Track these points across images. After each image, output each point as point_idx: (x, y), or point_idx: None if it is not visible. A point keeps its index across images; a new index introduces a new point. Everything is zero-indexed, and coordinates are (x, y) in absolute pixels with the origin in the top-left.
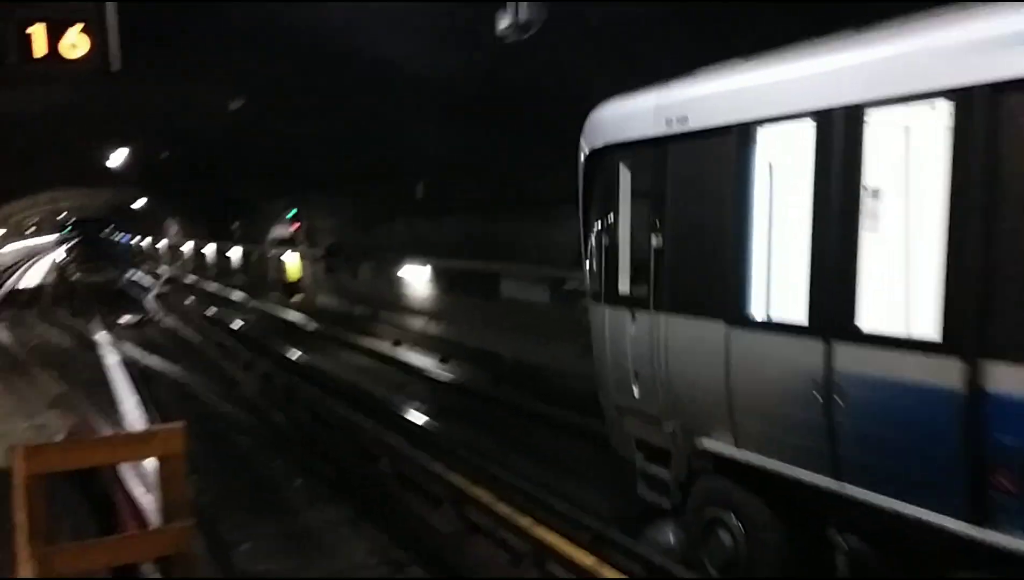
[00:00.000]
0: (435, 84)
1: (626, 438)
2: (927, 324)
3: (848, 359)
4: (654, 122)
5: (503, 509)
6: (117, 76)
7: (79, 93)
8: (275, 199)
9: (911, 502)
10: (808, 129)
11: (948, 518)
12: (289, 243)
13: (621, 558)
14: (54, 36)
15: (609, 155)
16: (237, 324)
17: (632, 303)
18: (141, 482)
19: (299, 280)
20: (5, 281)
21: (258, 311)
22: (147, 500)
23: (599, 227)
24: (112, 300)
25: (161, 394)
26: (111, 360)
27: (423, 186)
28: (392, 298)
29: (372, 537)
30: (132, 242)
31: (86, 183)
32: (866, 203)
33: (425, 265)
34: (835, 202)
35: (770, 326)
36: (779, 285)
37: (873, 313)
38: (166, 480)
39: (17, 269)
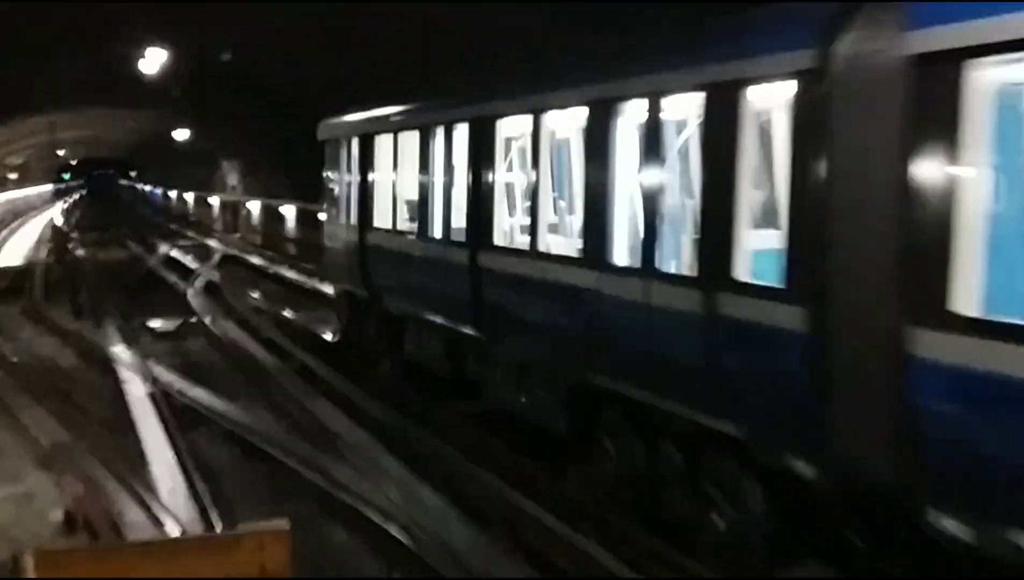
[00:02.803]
0: None
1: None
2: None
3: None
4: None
5: None
6: None
7: None
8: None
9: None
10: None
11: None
12: None
13: None
14: None
15: (336, 142)
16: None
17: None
18: None
19: None
20: None
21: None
22: None
23: (331, 177)
24: (137, 291)
25: (212, 449)
26: (135, 390)
27: None
28: None
29: None
30: (168, 197)
31: (102, 101)
32: None
33: None
34: None
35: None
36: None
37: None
38: None
39: None
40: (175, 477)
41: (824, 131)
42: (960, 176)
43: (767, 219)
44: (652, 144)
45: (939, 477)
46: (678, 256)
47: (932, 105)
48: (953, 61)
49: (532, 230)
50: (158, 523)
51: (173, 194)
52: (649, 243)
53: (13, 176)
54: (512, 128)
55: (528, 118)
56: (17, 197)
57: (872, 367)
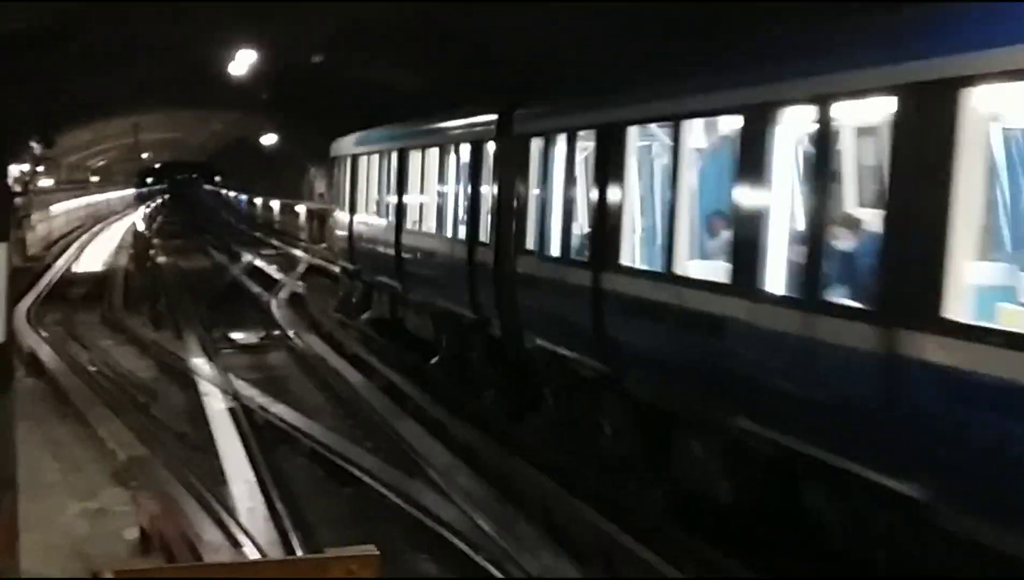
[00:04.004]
0: None
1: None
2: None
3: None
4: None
5: None
6: None
7: None
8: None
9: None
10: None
11: None
12: None
13: None
14: None
15: (339, 158)
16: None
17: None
18: None
19: None
20: (53, 262)
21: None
22: None
23: (341, 182)
24: (219, 301)
25: (294, 469)
26: (215, 404)
27: None
28: None
29: None
30: (252, 204)
31: (188, 103)
32: None
33: None
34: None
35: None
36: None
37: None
38: None
39: (72, 242)
40: (254, 497)
41: None
42: None
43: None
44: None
45: None
46: None
47: None
48: None
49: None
50: (236, 544)
51: (258, 201)
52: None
53: (95, 179)
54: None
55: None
56: (99, 201)
57: None
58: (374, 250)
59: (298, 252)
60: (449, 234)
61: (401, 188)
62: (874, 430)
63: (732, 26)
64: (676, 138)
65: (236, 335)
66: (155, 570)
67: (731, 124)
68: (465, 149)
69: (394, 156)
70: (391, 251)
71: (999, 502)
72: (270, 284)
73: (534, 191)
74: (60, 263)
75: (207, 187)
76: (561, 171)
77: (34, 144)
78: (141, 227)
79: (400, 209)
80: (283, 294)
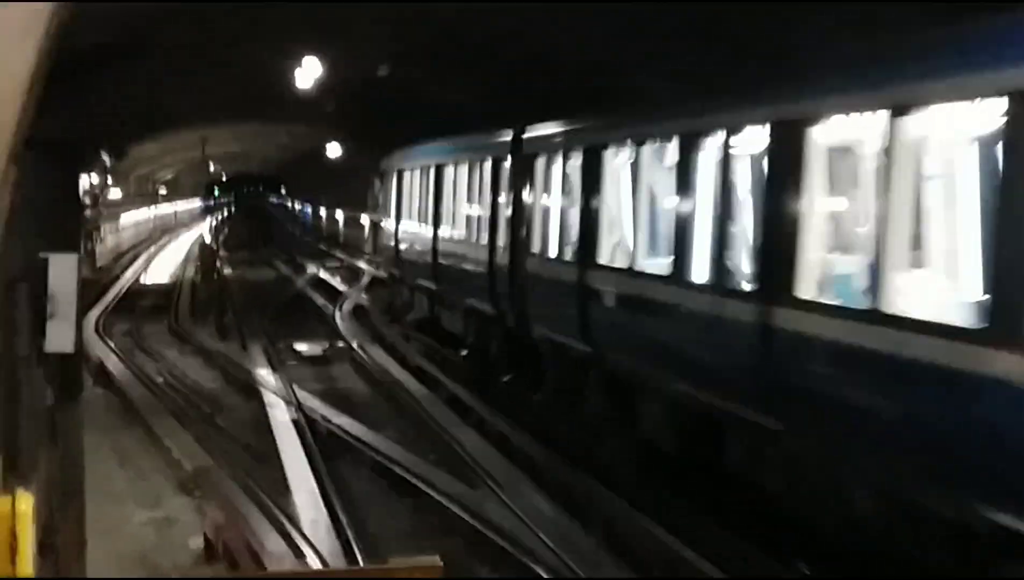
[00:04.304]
0: None
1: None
2: None
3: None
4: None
5: None
6: None
7: None
8: None
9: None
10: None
11: None
12: None
13: None
14: None
15: (387, 172)
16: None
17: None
18: None
19: None
20: (121, 273)
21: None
22: None
23: (389, 194)
24: (284, 313)
25: (357, 480)
26: (279, 415)
27: None
28: None
29: None
30: (318, 215)
31: (254, 115)
32: None
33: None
34: None
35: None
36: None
37: None
38: None
39: (140, 253)
40: (317, 508)
41: None
42: None
43: None
44: None
45: None
46: None
47: None
48: None
49: None
50: (299, 554)
51: (323, 212)
52: None
53: (163, 191)
54: None
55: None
56: (166, 212)
57: None
58: (415, 256)
59: (362, 264)
60: (475, 240)
61: (438, 200)
62: (760, 383)
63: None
64: (637, 159)
65: (300, 346)
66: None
67: (673, 149)
68: (487, 165)
69: (431, 171)
70: (429, 257)
71: (834, 428)
72: (334, 296)
73: (537, 201)
74: (128, 274)
75: (273, 199)
76: (557, 184)
77: (104, 156)
78: (208, 239)
79: (436, 218)
80: (347, 306)
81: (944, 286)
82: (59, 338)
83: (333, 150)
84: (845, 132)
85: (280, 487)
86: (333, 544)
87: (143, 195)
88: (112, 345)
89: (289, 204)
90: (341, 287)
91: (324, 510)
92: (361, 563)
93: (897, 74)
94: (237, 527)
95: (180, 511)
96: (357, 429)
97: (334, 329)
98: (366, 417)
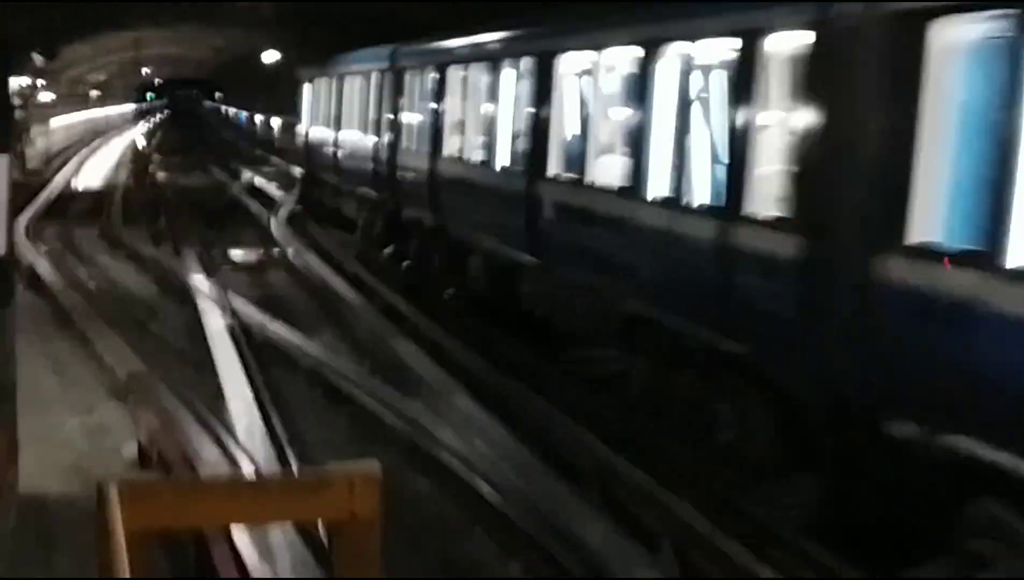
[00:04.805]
0: None
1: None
2: None
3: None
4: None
5: None
6: None
7: None
8: None
9: None
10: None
11: None
12: None
13: None
14: None
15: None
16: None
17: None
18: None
19: None
20: (52, 177)
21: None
22: None
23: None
24: (218, 219)
25: (292, 388)
26: (214, 323)
27: None
28: None
29: None
30: (253, 121)
31: (190, 17)
32: None
33: None
34: None
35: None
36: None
37: None
38: (347, 558)
39: (72, 157)
40: (252, 415)
41: None
42: None
43: None
44: None
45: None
46: None
47: None
48: None
49: None
50: (234, 462)
51: (259, 118)
52: None
53: (95, 93)
54: None
55: None
56: (98, 116)
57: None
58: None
59: (298, 170)
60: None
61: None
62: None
63: None
64: (595, 71)
65: (235, 254)
66: (158, 484)
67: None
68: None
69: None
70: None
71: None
72: (270, 203)
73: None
74: (59, 178)
75: (208, 104)
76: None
77: (35, 56)
78: (141, 144)
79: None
80: (282, 212)
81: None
82: None
83: (269, 56)
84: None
85: (214, 394)
86: (268, 452)
87: (75, 97)
88: (43, 250)
89: (224, 109)
90: (276, 193)
91: (259, 417)
92: (296, 470)
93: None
94: (171, 434)
95: (113, 418)
96: (292, 337)
97: (269, 236)
98: (301, 325)
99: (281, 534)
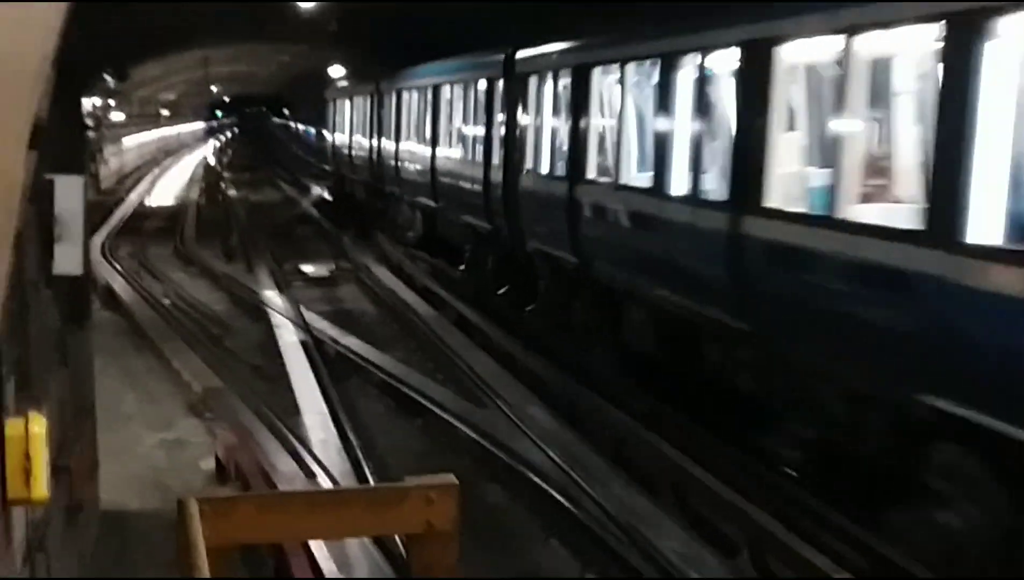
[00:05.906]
0: None
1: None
2: None
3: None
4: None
5: None
6: None
7: None
8: None
9: None
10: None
11: None
12: None
13: None
14: None
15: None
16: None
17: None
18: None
19: None
20: (126, 196)
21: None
22: None
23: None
24: (289, 234)
25: (365, 401)
26: (287, 337)
27: None
28: None
29: None
30: (322, 137)
31: (254, 35)
32: None
33: None
34: None
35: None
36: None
37: None
38: (425, 570)
39: (145, 176)
40: (327, 428)
41: None
42: None
43: None
44: None
45: None
46: None
47: None
48: None
49: None
50: (310, 474)
51: (329, 135)
52: None
53: (165, 112)
54: None
55: None
56: (169, 134)
57: None
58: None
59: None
60: (470, 158)
61: (435, 120)
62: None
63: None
64: (623, 80)
65: (307, 268)
66: (238, 498)
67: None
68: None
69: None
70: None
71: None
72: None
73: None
74: (133, 197)
75: (276, 120)
76: (549, 104)
77: (107, 77)
78: (212, 161)
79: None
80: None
81: None
82: (67, 260)
83: (335, 71)
84: None
85: (290, 408)
86: (343, 464)
87: (146, 116)
88: (119, 268)
89: (293, 125)
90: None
91: (334, 430)
92: (372, 482)
93: None
94: (248, 448)
95: (191, 433)
96: (365, 350)
97: (341, 250)
98: (374, 338)
99: (358, 546)
